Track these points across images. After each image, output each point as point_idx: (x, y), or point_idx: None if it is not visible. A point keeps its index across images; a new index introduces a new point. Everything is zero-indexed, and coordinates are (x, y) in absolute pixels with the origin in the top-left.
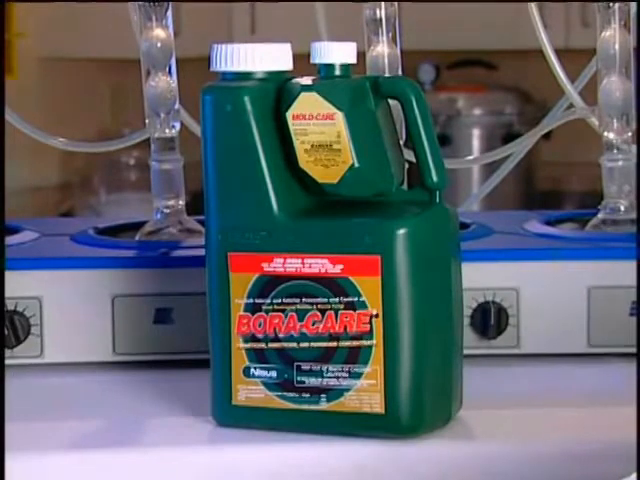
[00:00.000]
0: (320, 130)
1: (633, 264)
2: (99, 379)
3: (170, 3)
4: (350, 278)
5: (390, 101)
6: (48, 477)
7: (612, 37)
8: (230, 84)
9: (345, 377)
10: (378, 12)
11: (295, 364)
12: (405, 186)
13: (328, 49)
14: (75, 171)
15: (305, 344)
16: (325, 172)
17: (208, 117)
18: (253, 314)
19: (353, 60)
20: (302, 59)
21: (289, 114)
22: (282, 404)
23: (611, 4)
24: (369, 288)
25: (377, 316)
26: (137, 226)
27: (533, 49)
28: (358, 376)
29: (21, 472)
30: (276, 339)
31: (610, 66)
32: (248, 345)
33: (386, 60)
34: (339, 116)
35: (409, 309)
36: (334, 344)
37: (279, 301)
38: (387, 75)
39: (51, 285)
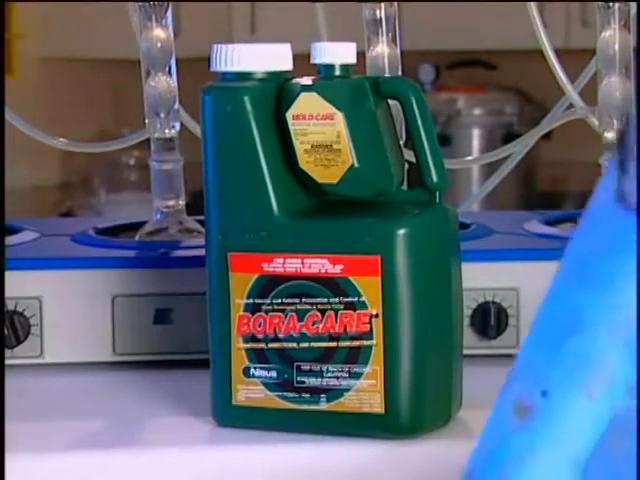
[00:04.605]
0: (320, 130)
1: None
2: (99, 379)
3: (170, 3)
4: (350, 278)
5: (390, 101)
6: (48, 477)
7: (612, 37)
8: (230, 84)
9: (345, 377)
10: (378, 12)
11: (295, 364)
12: (405, 186)
13: (328, 49)
14: (75, 171)
15: (305, 344)
16: (325, 172)
17: (208, 117)
18: (253, 314)
19: (353, 60)
20: (302, 59)
21: (289, 114)
22: (282, 404)
23: (611, 4)
24: (369, 288)
25: (377, 316)
26: (137, 226)
27: (533, 49)
28: (358, 376)
29: (21, 472)
30: (276, 339)
31: (610, 66)
32: (248, 345)
33: (386, 60)
34: (339, 116)
35: (409, 309)
36: (334, 344)
37: (279, 301)
38: (387, 75)
39: (51, 285)
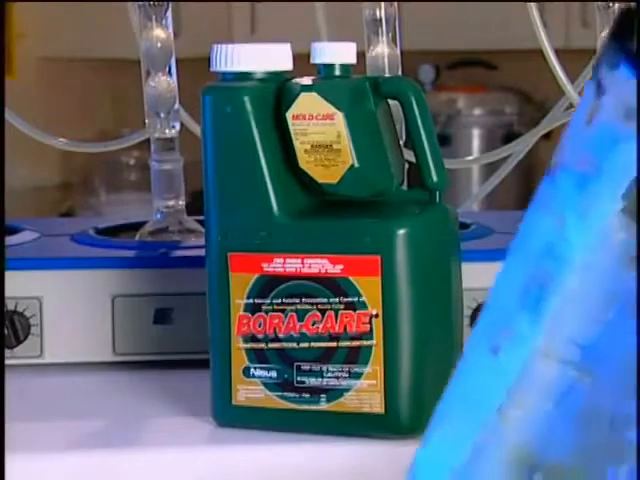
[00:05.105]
0: (320, 130)
1: None
2: (99, 379)
3: (170, 3)
4: (350, 278)
5: (390, 101)
6: (48, 477)
7: None
8: (230, 84)
9: (345, 377)
10: (378, 12)
11: (295, 364)
12: (405, 186)
13: (328, 49)
14: (75, 171)
15: (305, 344)
16: (325, 172)
17: (208, 117)
18: (253, 314)
19: (353, 60)
20: (302, 59)
21: (289, 114)
22: (282, 404)
23: (611, 4)
24: (369, 288)
25: (377, 316)
26: (137, 226)
27: (533, 49)
28: (358, 376)
29: (21, 472)
30: (276, 339)
31: None
32: (248, 345)
33: (386, 60)
34: (339, 116)
35: (409, 309)
36: (334, 344)
37: (279, 301)
38: (387, 75)
39: (51, 285)
